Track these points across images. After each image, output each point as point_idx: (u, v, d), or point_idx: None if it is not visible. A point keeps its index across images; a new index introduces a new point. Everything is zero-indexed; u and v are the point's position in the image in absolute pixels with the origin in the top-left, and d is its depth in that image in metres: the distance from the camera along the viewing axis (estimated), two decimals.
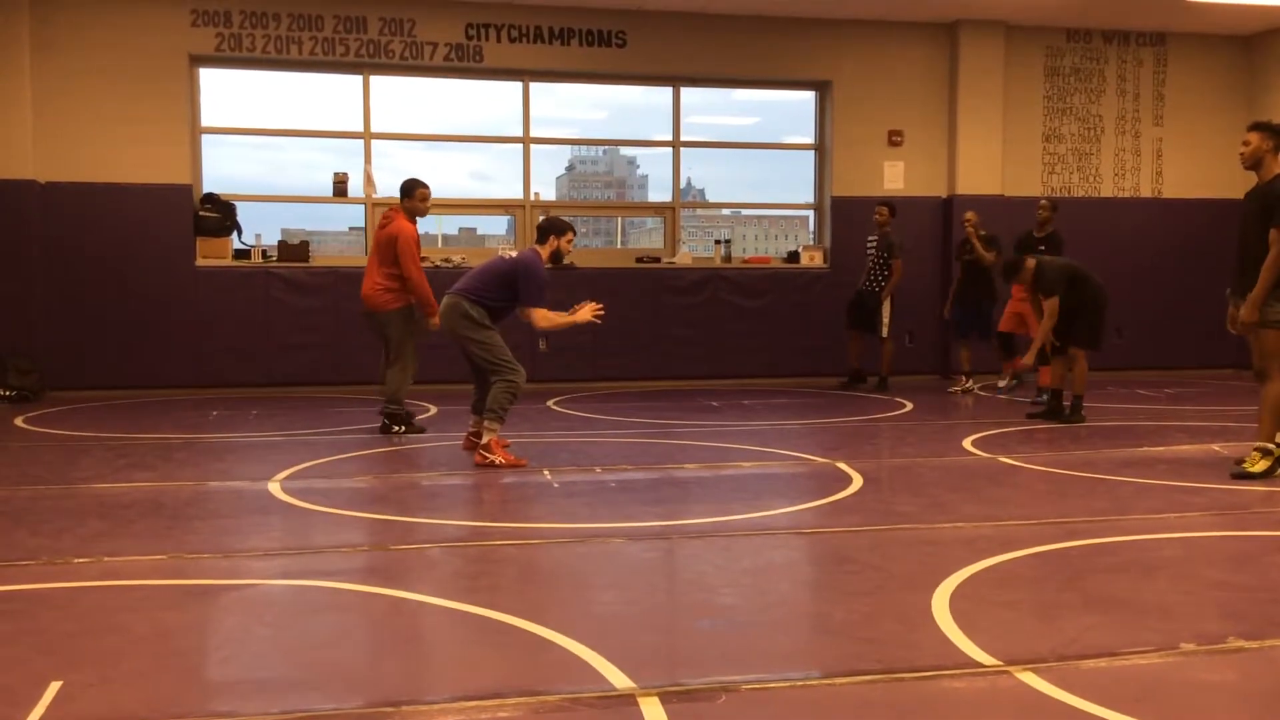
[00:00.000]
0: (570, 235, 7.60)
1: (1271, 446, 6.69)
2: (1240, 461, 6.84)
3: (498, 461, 7.18)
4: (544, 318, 7.36)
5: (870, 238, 11.81)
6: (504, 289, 7.41)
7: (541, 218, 7.98)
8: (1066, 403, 9.24)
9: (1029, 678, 3.41)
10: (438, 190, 12.72)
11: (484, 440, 7.29)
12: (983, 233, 11.17)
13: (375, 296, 8.43)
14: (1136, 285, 13.21)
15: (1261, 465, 6.65)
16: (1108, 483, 6.62)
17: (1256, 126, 6.78)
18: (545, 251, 7.53)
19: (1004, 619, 4.06)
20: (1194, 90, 13.54)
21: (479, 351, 7.38)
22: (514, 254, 7.61)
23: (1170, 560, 4.95)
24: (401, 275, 8.34)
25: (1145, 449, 7.89)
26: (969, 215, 11.32)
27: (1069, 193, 13.04)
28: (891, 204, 11.72)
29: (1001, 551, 4.94)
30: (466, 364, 7.67)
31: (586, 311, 7.41)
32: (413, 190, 8.56)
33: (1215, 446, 7.68)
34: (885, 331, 11.58)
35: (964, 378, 11.48)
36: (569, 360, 11.94)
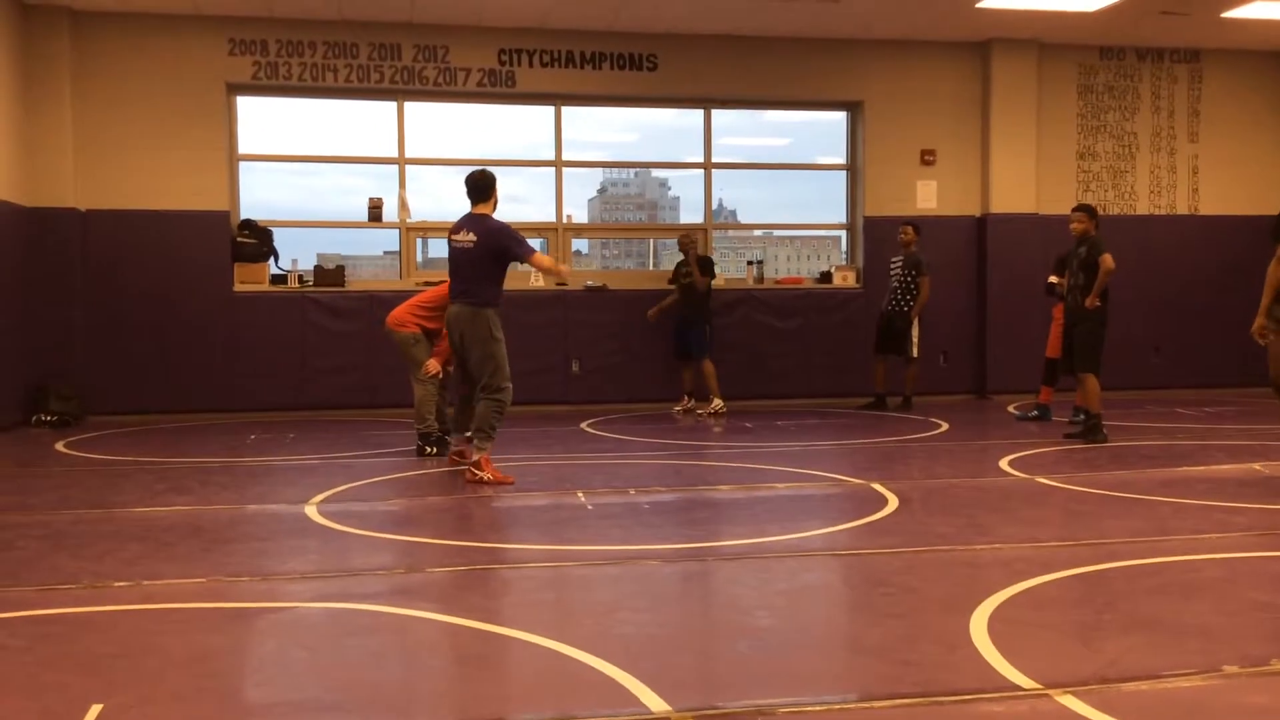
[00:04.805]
0: None
1: None
2: None
3: (486, 478, 7.21)
4: (540, 258, 7.42)
5: (894, 259, 11.79)
6: (497, 268, 7.34)
7: (470, 174, 7.48)
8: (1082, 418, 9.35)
9: (1069, 701, 3.37)
10: None
11: (474, 458, 7.30)
12: (699, 255, 11.35)
13: (395, 318, 8.63)
14: (1174, 303, 13.11)
15: None
16: (1147, 503, 6.54)
17: None
18: (491, 208, 7.39)
19: (1043, 641, 4.01)
20: (1231, 106, 13.42)
21: (484, 365, 7.25)
22: (470, 236, 7.27)
23: (1212, 581, 4.88)
24: (430, 317, 8.49)
25: (1185, 468, 7.80)
26: (690, 235, 11.54)
27: (1105, 210, 12.92)
28: (916, 224, 11.71)
29: (1040, 573, 4.89)
30: (459, 377, 7.68)
31: (567, 270, 7.53)
32: None
33: (1256, 465, 7.58)
34: (915, 351, 11.55)
35: (686, 397, 11.56)
36: (601, 382, 11.97)
